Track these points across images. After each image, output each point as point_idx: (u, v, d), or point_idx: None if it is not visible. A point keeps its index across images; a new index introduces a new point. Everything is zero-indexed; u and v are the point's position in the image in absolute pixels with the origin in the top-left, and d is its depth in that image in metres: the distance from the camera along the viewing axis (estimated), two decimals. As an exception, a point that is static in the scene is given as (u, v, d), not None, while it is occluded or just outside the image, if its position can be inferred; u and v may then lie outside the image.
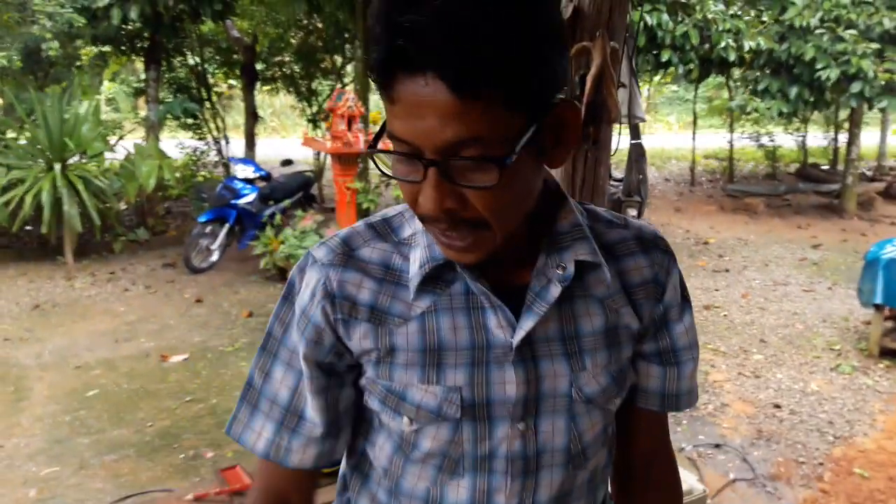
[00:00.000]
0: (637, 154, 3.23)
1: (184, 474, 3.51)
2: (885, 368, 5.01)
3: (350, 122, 7.24)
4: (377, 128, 8.00)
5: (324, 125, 10.80)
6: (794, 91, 9.46)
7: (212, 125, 10.11)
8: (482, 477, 0.89)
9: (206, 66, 10.26)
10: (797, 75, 9.35)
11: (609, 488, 1.08)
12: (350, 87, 7.35)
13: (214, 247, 7.32)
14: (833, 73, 8.79)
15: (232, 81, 11.01)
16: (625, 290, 0.93)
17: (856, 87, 8.87)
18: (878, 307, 5.19)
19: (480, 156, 0.72)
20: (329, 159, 10.78)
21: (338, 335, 0.88)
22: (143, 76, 9.86)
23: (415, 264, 0.88)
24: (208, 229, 7.27)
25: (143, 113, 9.71)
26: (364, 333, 0.87)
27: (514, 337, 0.86)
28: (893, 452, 3.84)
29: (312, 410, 0.91)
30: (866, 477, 3.62)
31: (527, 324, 0.86)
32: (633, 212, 3.20)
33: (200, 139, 10.30)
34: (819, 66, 8.88)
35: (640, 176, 3.21)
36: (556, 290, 0.86)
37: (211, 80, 10.50)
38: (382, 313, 0.87)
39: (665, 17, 8.61)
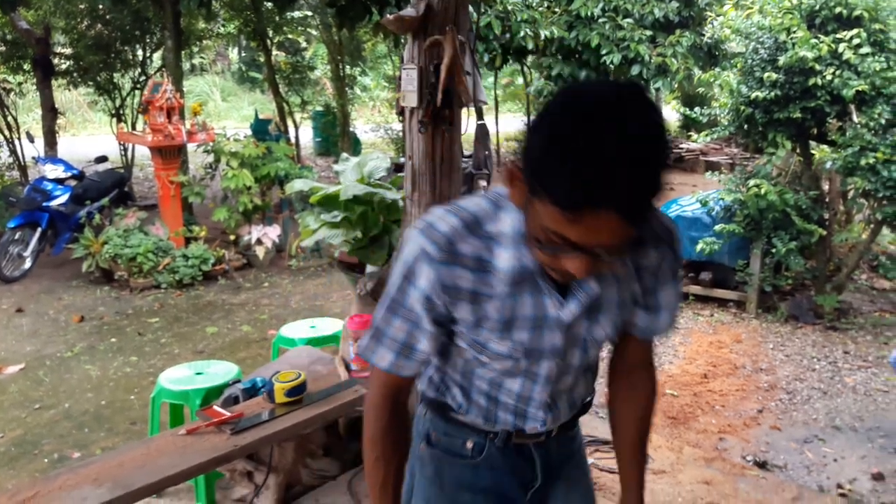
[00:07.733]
0: (482, 133, 3.63)
1: (53, 477, 3.44)
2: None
3: (169, 114, 7.08)
4: (199, 119, 7.76)
5: (131, 119, 10.31)
6: (583, 75, 10.38)
7: (2, 123, 9.31)
8: (528, 381, 1.34)
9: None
10: (585, 60, 10.29)
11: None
12: (166, 79, 7.11)
13: (27, 253, 6.85)
14: (616, 58, 9.80)
15: (20, 77, 10.12)
16: (636, 270, 1.29)
17: (635, 69, 9.96)
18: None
19: (623, 247, 1.06)
20: (135, 153, 10.37)
21: (447, 307, 1.25)
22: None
23: (506, 263, 1.20)
24: (18, 235, 6.80)
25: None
26: (465, 309, 1.24)
27: (565, 315, 1.24)
28: (694, 374, 4.60)
29: (427, 343, 1.29)
30: (676, 395, 4.32)
31: (574, 308, 1.24)
32: (483, 182, 3.59)
33: (-10, 140, 9.45)
34: (603, 51, 9.84)
35: (486, 152, 3.61)
36: (595, 287, 1.23)
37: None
38: (477, 294, 1.23)
39: (470, 9, 9.14)
